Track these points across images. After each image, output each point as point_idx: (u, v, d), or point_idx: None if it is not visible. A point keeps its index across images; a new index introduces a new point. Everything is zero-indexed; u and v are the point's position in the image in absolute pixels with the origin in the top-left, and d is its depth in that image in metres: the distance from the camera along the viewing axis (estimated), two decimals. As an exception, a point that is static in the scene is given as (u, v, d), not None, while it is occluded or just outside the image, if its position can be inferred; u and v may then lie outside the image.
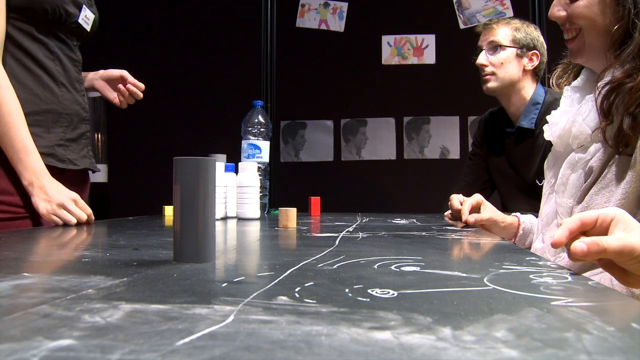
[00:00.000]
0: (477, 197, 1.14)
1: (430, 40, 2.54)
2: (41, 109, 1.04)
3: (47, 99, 1.05)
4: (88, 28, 1.16)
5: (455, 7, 2.49)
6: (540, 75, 1.51)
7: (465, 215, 1.08)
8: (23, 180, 0.97)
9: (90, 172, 1.23)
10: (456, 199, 1.17)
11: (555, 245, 0.52)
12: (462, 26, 2.48)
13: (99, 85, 1.27)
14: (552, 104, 1.36)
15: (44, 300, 0.31)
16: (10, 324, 0.26)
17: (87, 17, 1.14)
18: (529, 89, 1.47)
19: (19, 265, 0.47)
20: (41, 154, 1.01)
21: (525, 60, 1.47)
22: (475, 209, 1.13)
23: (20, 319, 0.27)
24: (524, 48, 1.46)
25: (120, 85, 1.25)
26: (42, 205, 0.96)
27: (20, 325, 0.26)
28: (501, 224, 1.15)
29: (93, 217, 1.03)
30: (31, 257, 0.53)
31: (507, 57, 1.46)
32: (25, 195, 0.99)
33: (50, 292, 0.34)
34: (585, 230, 0.54)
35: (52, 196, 0.96)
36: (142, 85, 1.27)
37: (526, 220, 1.19)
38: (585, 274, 0.74)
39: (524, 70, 1.47)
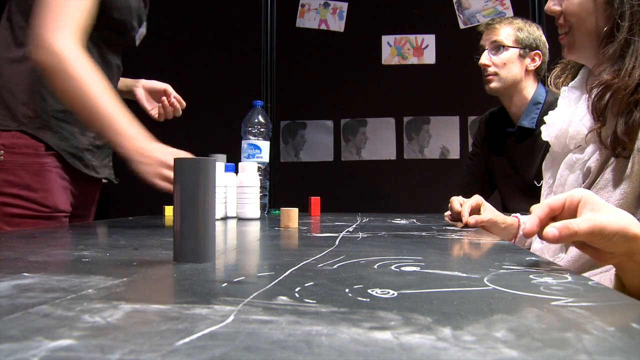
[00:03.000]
0: (477, 199, 1.14)
1: (430, 40, 2.54)
2: None
3: None
4: (137, 43, 1.17)
5: (455, 7, 2.49)
6: (541, 75, 1.51)
7: (465, 217, 1.09)
8: (120, 150, 0.90)
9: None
10: (456, 201, 1.17)
11: (527, 235, 0.55)
12: (462, 26, 2.48)
13: (139, 93, 1.27)
14: (552, 104, 1.36)
15: (44, 300, 0.31)
16: (10, 324, 0.26)
17: (141, 34, 1.17)
18: (530, 89, 1.47)
19: (19, 265, 0.47)
20: (70, 153, 1.02)
21: (527, 60, 1.47)
22: (475, 210, 1.13)
23: (20, 319, 0.27)
24: (526, 48, 1.46)
25: (164, 99, 1.25)
26: (145, 170, 0.88)
27: (20, 325, 0.26)
28: (501, 224, 1.15)
29: None
30: (31, 257, 0.53)
31: (509, 58, 1.45)
32: (51, 194, 0.99)
33: (50, 292, 0.34)
34: (554, 215, 0.55)
35: (152, 157, 0.88)
36: (184, 103, 1.27)
37: (526, 220, 1.19)
38: (585, 274, 0.75)
39: (526, 71, 1.47)
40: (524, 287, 0.38)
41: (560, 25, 0.92)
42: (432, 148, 2.53)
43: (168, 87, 1.26)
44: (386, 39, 2.57)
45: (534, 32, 1.48)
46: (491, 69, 1.47)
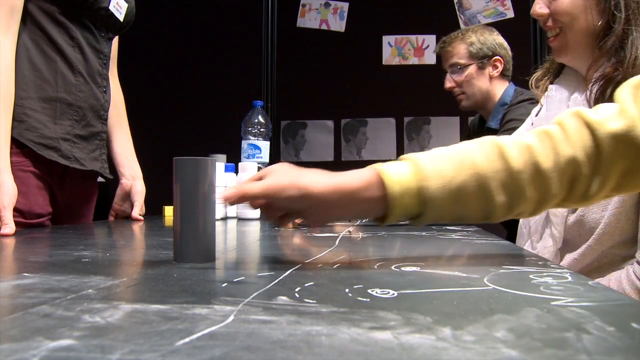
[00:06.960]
0: None
1: (430, 40, 2.54)
2: (49, 96, 0.97)
3: (59, 87, 0.97)
4: (121, 17, 1.07)
5: (456, 7, 2.49)
6: (508, 75, 1.53)
7: None
8: None
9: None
10: None
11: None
12: (462, 27, 2.48)
13: (125, 183, 1.25)
14: (518, 102, 1.40)
15: (44, 300, 0.31)
16: (10, 324, 0.26)
17: (119, 5, 1.06)
18: (500, 92, 1.51)
19: (19, 265, 0.47)
20: (42, 145, 0.95)
21: (489, 69, 1.50)
22: None
23: (20, 319, 0.27)
24: (483, 59, 1.49)
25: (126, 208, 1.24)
26: None
27: (20, 325, 0.26)
28: None
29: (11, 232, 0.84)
30: (31, 257, 0.53)
31: (469, 74, 1.50)
32: (24, 197, 0.93)
33: (50, 292, 0.34)
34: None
35: None
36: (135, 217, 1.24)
37: None
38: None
39: (491, 78, 1.50)
40: (524, 287, 0.38)
41: (549, 28, 0.91)
42: (433, 148, 2.53)
43: (139, 198, 1.24)
44: (387, 39, 2.58)
45: (487, 40, 1.50)
46: (457, 90, 1.54)
